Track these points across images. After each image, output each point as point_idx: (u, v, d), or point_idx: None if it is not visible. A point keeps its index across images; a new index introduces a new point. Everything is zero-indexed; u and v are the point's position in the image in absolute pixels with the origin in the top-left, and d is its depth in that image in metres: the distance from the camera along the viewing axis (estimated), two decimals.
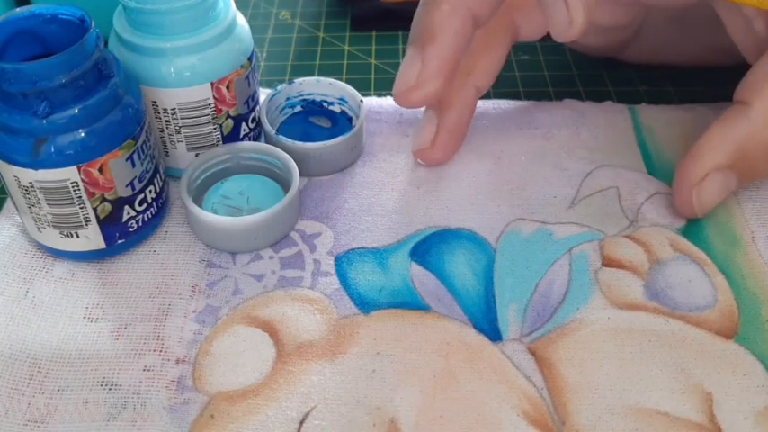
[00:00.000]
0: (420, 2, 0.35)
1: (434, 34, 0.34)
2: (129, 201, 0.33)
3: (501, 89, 0.46)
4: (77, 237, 0.33)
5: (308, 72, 0.48)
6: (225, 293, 0.34)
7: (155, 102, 0.35)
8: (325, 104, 0.42)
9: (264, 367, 0.31)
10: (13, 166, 0.31)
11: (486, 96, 0.45)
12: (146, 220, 0.35)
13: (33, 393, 0.30)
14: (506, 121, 0.42)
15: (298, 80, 0.42)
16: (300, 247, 0.36)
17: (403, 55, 0.50)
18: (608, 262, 0.34)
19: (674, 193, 0.35)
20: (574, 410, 0.29)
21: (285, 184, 0.37)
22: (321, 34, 0.52)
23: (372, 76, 0.48)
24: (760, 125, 0.32)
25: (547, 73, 0.48)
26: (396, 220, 0.37)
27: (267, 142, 0.39)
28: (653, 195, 0.38)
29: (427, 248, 0.35)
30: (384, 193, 0.38)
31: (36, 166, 0.30)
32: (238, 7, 0.37)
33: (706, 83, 0.46)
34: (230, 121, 0.37)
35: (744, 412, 0.29)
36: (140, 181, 0.33)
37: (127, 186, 0.33)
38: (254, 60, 0.38)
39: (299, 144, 0.38)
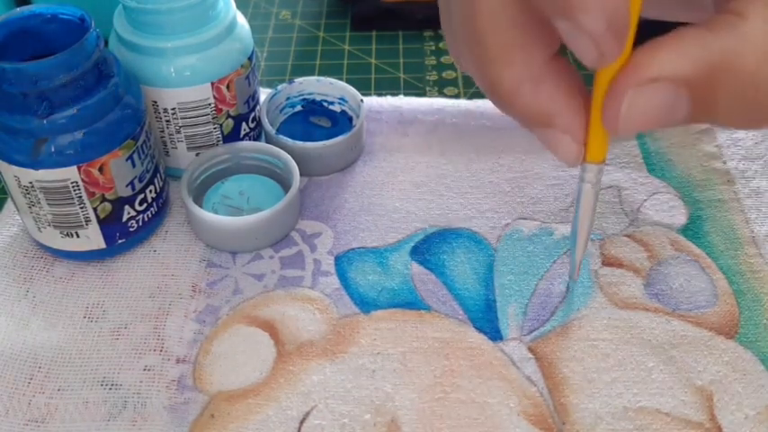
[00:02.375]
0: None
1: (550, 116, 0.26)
2: (130, 200, 0.33)
3: None
4: (78, 236, 0.33)
5: (309, 72, 0.48)
6: (225, 293, 0.34)
7: (155, 101, 0.35)
8: (326, 104, 0.42)
9: (265, 367, 0.31)
10: (13, 166, 0.31)
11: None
12: (146, 219, 0.35)
13: (34, 393, 0.30)
14: (507, 121, 0.42)
15: (298, 80, 0.42)
16: (301, 246, 0.36)
17: (403, 55, 0.51)
18: (608, 261, 0.34)
19: (606, 95, 0.24)
20: (574, 410, 0.29)
21: (285, 184, 0.37)
22: (321, 34, 0.52)
23: (372, 76, 0.48)
24: (749, 44, 0.22)
25: None
26: (396, 219, 0.37)
27: (267, 142, 0.39)
28: (653, 195, 0.38)
29: (427, 248, 0.35)
30: (384, 193, 0.38)
31: (36, 165, 0.30)
32: (238, 7, 0.37)
33: None
34: (230, 121, 0.37)
35: (744, 412, 0.29)
36: (140, 181, 0.33)
37: (127, 186, 0.33)
38: (254, 60, 0.38)
39: (300, 144, 0.38)
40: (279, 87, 0.41)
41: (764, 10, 0.22)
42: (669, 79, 0.23)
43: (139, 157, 0.33)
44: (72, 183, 0.31)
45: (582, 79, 0.25)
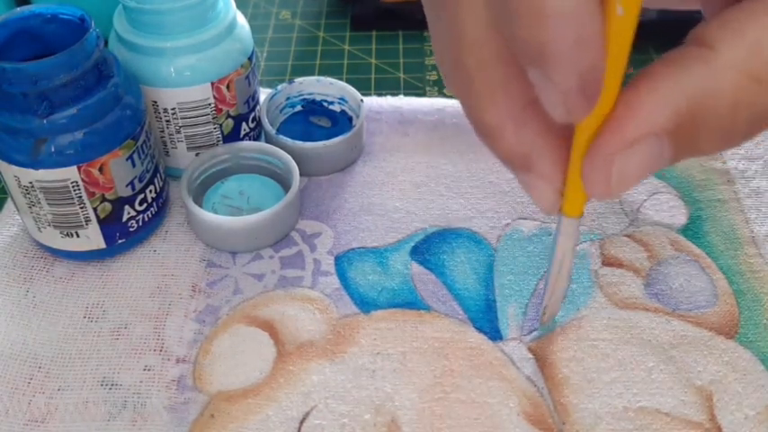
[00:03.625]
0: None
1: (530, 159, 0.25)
2: (130, 200, 0.33)
3: None
4: (78, 236, 0.33)
5: (308, 72, 0.48)
6: (225, 293, 0.34)
7: (155, 101, 0.35)
8: (326, 104, 0.42)
9: (265, 367, 0.31)
10: (13, 166, 0.31)
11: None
12: (146, 219, 0.35)
13: (34, 393, 0.30)
14: None
15: (298, 80, 0.42)
16: (301, 246, 0.36)
17: (403, 55, 0.51)
18: (608, 261, 0.34)
19: (587, 161, 0.23)
20: (574, 410, 0.29)
21: (285, 184, 0.37)
22: (321, 34, 0.52)
23: (372, 76, 0.48)
24: (725, 80, 0.22)
25: None
26: (396, 219, 0.37)
27: (267, 142, 0.39)
28: (653, 195, 0.38)
29: (427, 248, 0.35)
30: (384, 193, 0.38)
31: (36, 165, 0.30)
32: (238, 7, 0.37)
33: None
34: (230, 121, 0.37)
35: (744, 412, 0.29)
36: (140, 181, 0.34)
37: (127, 186, 0.33)
38: (254, 60, 0.38)
39: (300, 144, 0.38)
40: (279, 87, 0.41)
41: (732, 39, 0.22)
42: (653, 133, 0.22)
43: (139, 157, 0.33)
44: (72, 183, 0.31)
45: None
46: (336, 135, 0.39)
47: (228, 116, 0.37)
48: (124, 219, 0.34)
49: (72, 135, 0.30)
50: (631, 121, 0.22)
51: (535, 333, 0.32)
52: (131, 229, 0.34)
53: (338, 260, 0.35)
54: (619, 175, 0.23)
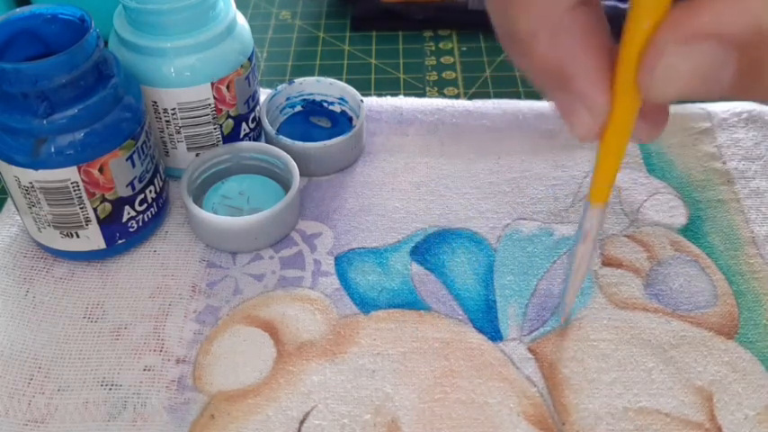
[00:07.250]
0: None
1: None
2: (130, 201, 0.33)
3: (501, 89, 0.46)
4: (78, 237, 0.33)
5: (308, 72, 0.48)
6: (225, 293, 0.34)
7: (155, 102, 0.35)
8: (326, 104, 0.42)
9: (265, 367, 0.31)
10: (13, 166, 0.31)
11: (486, 96, 0.45)
12: (146, 220, 0.35)
13: (34, 393, 0.30)
14: (506, 121, 0.42)
15: (298, 80, 0.42)
16: (301, 246, 0.36)
17: (403, 55, 0.51)
18: (608, 261, 0.34)
19: (646, 45, 0.20)
20: (574, 410, 0.29)
21: (285, 184, 0.37)
22: (321, 34, 0.52)
23: (372, 76, 0.48)
24: None
25: None
26: (396, 219, 0.37)
27: (267, 142, 0.39)
28: (653, 195, 0.38)
29: (427, 248, 0.35)
30: (384, 193, 0.38)
31: (36, 166, 0.30)
32: (238, 7, 0.37)
33: None
34: (230, 121, 0.37)
35: (744, 412, 0.29)
36: (140, 181, 0.33)
37: (127, 186, 0.33)
38: (254, 60, 0.38)
39: (300, 144, 0.38)
40: (279, 88, 0.41)
41: None
42: (719, 37, 0.19)
43: (139, 158, 0.33)
44: (72, 183, 0.31)
45: (611, 39, 0.21)
46: (336, 135, 0.39)
47: (228, 116, 0.37)
48: (124, 219, 0.34)
49: (72, 135, 0.30)
50: (697, 15, 0.19)
51: (549, 326, 0.32)
52: (131, 230, 0.34)
53: (338, 260, 0.35)
54: (666, 70, 0.19)
